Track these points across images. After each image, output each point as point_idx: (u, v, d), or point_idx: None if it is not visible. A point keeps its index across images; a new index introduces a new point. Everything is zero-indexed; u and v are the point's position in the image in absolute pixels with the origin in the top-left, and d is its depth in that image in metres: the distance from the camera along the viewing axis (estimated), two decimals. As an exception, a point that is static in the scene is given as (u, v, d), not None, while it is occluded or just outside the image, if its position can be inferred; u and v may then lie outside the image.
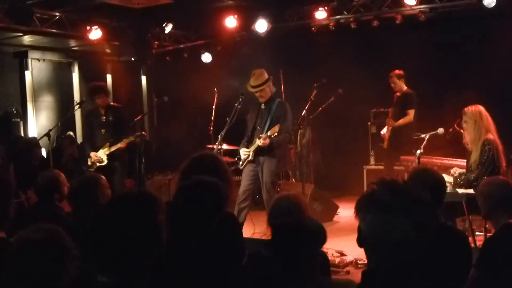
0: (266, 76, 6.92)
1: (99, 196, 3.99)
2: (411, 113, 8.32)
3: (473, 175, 5.66)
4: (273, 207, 3.37)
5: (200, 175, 3.10)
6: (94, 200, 3.94)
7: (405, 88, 8.48)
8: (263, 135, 6.64)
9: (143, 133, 7.88)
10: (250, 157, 6.83)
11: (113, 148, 7.58)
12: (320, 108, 8.39)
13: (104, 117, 7.71)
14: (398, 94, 8.57)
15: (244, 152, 6.94)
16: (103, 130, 7.72)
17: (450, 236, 3.30)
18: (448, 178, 5.84)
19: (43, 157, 9.58)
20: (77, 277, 2.17)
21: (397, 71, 8.47)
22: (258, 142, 6.67)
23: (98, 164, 7.61)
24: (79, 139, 11.70)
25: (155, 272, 2.10)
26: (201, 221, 2.90)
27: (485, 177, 5.18)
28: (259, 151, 6.76)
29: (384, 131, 8.71)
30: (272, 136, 6.58)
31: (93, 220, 2.14)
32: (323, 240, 2.89)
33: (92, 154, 7.61)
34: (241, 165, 6.96)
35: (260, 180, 6.83)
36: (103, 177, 4.22)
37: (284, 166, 7.27)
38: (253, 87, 6.88)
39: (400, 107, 8.48)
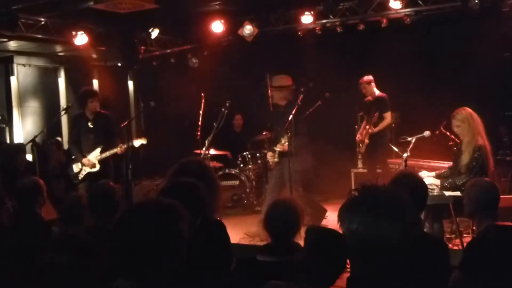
0: (286, 83, 7.53)
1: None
2: (388, 116, 8.44)
3: (460, 179, 5.68)
4: (270, 212, 3.37)
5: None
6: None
7: (377, 92, 8.55)
8: (279, 145, 7.38)
9: (143, 138, 7.91)
10: (276, 159, 7.42)
11: (108, 154, 7.56)
12: (307, 112, 8.39)
13: (92, 123, 7.65)
14: (370, 98, 8.64)
15: (270, 156, 7.60)
16: (91, 136, 7.65)
17: (428, 242, 3.29)
18: (435, 181, 5.87)
19: (28, 162, 9.51)
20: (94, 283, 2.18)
21: (365, 78, 8.59)
22: (277, 148, 7.41)
23: (88, 170, 7.52)
24: (66, 145, 11.63)
25: (173, 280, 2.10)
26: None
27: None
28: (282, 153, 7.37)
29: (358, 136, 8.78)
30: (285, 143, 7.22)
31: (116, 224, 2.15)
32: None
33: (85, 160, 7.53)
34: (272, 167, 7.68)
35: (285, 178, 7.32)
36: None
37: (307, 163, 7.61)
38: (271, 86, 7.54)
39: (376, 111, 8.53)
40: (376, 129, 8.45)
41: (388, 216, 1.77)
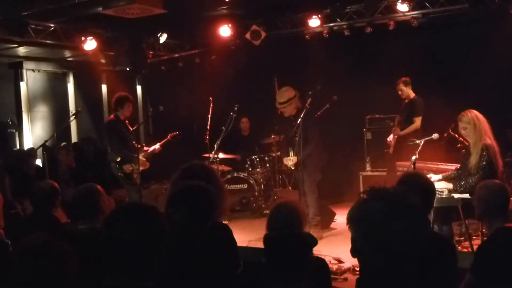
0: (292, 94, 7.49)
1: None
2: (418, 120, 8.30)
3: (473, 179, 5.65)
4: (272, 215, 3.37)
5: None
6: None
7: (412, 94, 8.46)
8: (288, 160, 7.63)
9: (176, 133, 8.16)
10: (292, 167, 7.66)
11: (150, 151, 7.85)
12: (316, 116, 8.41)
13: (125, 128, 7.73)
14: (406, 101, 8.55)
15: (286, 162, 7.81)
16: (131, 139, 7.78)
17: (436, 242, 3.28)
18: (447, 185, 5.86)
19: (38, 167, 9.57)
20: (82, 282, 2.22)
21: (403, 78, 8.44)
22: (286, 163, 7.72)
23: (142, 169, 7.66)
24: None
25: (158, 277, 2.17)
26: (193, 223, 2.92)
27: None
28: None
29: (390, 137, 8.69)
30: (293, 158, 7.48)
31: (104, 226, 2.21)
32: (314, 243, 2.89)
33: (142, 158, 7.70)
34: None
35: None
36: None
37: (321, 162, 7.74)
38: (279, 103, 7.58)
39: (407, 114, 8.47)
40: (402, 133, 8.38)
41: (396, 218, 1.78)
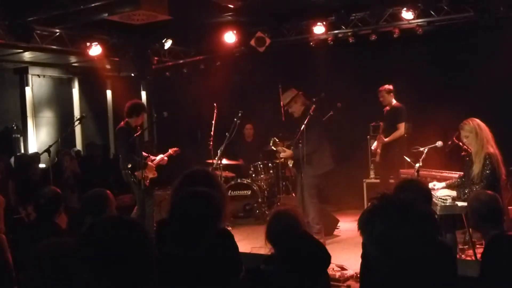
0: (294, 92, 7.55)
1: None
2: (401, 126, 8.38)
3: (477, 187, 5.63)
4: (271, 221, 3.37)
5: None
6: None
7: (394, 102, 8.53)
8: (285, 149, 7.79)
9: (176, 148, 8.01)
10: (285, 155, 7.82)
11: (156, 162, 7.74)
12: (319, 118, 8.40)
13: (139, 134, 7.66)
14: (387, 108, 8.62)
15: (282, 154, 7.90)
16: (142, 146, 7.74)
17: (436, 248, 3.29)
18: (451, 193, 5.84)
19: (43, 172, 9.59)
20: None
21: (386, 86, 8.52)
22: (281, 151, 7.83)
23: (151, 176, 7.62)
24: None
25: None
26: (199, 230, 2.91)
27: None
28: (296, 160, 7.52)
29: (374, 145, 8.76)
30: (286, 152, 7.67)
31: (85, 236, 2.15)
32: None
33: (151, 165, 7.64)
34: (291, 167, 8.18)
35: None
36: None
37: (321, 169, 7.57)
38: (285, 105, 7.74)
39: (390, 121, 8.53)
40: (387, 139, 8.44)
41: (408, 224, 1.78)
